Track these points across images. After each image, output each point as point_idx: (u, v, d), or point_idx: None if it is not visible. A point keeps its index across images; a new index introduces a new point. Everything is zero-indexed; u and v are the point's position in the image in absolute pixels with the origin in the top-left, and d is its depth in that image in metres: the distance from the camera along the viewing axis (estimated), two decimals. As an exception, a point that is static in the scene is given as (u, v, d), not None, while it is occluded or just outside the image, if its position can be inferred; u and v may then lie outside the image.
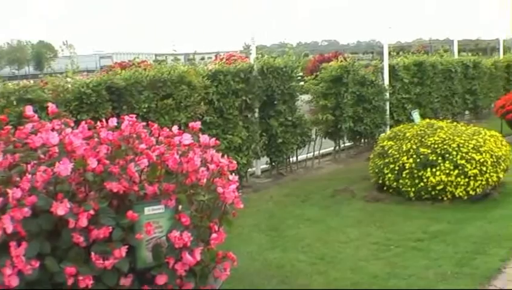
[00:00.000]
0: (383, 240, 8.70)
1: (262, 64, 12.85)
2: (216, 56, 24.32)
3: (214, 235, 4.70)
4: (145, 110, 10.16)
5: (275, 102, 13.05)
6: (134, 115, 5.19)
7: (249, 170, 12.86)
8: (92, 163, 4.29)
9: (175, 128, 5.15)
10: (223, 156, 5.11)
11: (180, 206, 4.54)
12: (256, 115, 12.80)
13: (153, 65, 12.45)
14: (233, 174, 5.06)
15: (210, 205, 4.79)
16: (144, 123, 5.15)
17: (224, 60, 17.32)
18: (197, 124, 5.18)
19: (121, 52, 77.74)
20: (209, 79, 11.54)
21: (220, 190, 4.70)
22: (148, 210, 4.44)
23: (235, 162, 5.23)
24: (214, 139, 5.13)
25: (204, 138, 5.03)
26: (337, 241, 8.72)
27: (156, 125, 5.22)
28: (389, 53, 18.28)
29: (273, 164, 13.65)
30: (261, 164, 13.65)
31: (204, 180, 4.75)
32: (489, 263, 7.71)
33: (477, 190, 10.46)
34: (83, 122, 4.94)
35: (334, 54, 33.11)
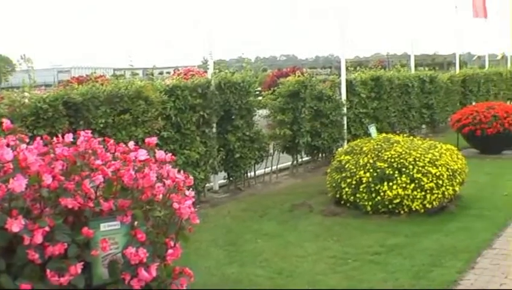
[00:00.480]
0: (341, 254, 8.74)
1: (219, 79, 12.86)
2: (175, 71, 24.33)
3: (170, 251, 4.68)
4: (102, 125, 10.11)
5: (233, 117, 13.07)
6: (91, 131, 5.16)
7: (207, 185, 12.82)
8: (47, 179, 4.25)
9: (131, 143, 5.13)
10: (179, 171, 5.10)
11: (136, 222, 4.52)
12: (214, 130, 12.78)
13: (111, 80, 12.41)
14: (190, 189, 5.05)
15: (166, 220, 4.77)
16: (101, 139, 5.12)
17: (182, 74, 17.32)
18: (153, 140, 5.17)
19: (80, 67, 77.37)
20: (166, 94, 11.50)
21: (176, 205, 4.69)
22: (103, 226, 4.42)
23: (191, 177, 5.22)
24: (170, 154, 5.12)
25: (160, 154, 5.02)
26: (295, 256, 8.74)
27: (112, 141, 5.19)
28: (347, 68, 18.41)
29: (231, 178, 13.64)
30: (219, 179, 13.64)
31: (160, 196, 4.73)
32: (445, 275, 7.81)
33: (434, 203, 10.56)
34: (38, 138, 4.90)
35: (292, 68, 33.24)
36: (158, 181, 4.77)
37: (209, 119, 12.43)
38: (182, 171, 5.17)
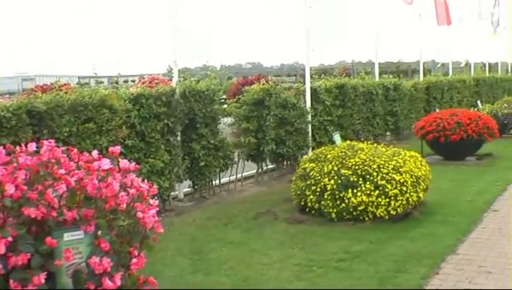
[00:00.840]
0: (306, 261, 8.76)
1: (184, 87, 12.83)
2: (140, 79, 24.24)
3: (134, 260, 4.67)
4: (66, 134, 10.05)
5: (197, 125, 13.04)
6: (55, 140, 5.14)
7: (172, 193, 12.78)
8: (10, 189, 4.23)
9: (95, 152, 5.10)
10: (143, 180, 5.09)
11: (99, 232, 4.50)
12: (179, 138, 12.75)
13: (75, 88, 12.35)
14: (155, 198, 5.05)
15: (130, 229, 4.75)
16: (64, 148, 5.10)
17: (146, 83, 17.26)
18: (117, 149, 5.15)
19: (45, 75, 76.67)
20: (130, 102, 11.45)
21: (140, 214, 4.68)
22: (67, 236, 4.40)
23: (155, 186, 5.21)
24: (134, 163, 5.10)
25: (124, 163, 5.00)
26: (260, 264, 8.74)
27: (75, 150, 5.17)
28: (312, 76, 18.47)
29: (196, 187, 13.61)
30: (184, 188, 13.59)
31: (124, 205, 4.72)
32: (410, 281, 7.89)
33: (398, 209, 10.63)
34: (1, 147, 4.87)
35: (257, 76, 33.26)
36: (122, 190, 4.76)
37: (173, 127, 12.40)
38: (146, 180, 5.16)
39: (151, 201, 4.97)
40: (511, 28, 49.05)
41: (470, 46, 39.09)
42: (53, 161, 4.74)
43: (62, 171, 4.62)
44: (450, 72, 35.72)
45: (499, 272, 8.26)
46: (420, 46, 29.28)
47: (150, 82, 18.69)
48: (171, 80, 13.74)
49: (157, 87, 12.65)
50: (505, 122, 24.56)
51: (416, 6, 27.25)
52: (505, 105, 26.19)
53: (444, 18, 30.72)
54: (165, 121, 12.13)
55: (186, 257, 9.17)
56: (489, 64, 45.79)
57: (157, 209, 4.95)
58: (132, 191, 4.87)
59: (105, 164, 4.81)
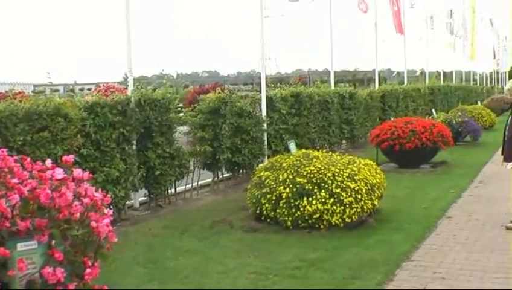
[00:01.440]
0: (261, 269, 8.77)
1: (139, 96, 12.77)
2: (96, 87, 24.09)
3: (88, 270, 4.66)
4: (20, 143, 9.94)
5: (153, 134, 12.98)
6: (9, 148, 5.11)
7: (127, 202, 12.69)
8: (-39, 199, 4.20)
9: (48, 161, 5.08)
10: (97, 189, 5.08)
11: (53, 242, 4.48)
12: (134, 147, 12.68)
13: (30, 97, 12.25)
14: (110, 207, 5.04)
15: (84, 239, 4.74)
16: (18, 157, 5.07)
17: (102, 91, 17.16)
18: (70, 158, 5.13)
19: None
20: (86, 111, 11.37)
21: (93, 224, 4.67)
22: (20, 246, 4.37)
23: (109, 195, 5.20)
24: (87, 172, 5.09)
25: (77, 172, 4.99)
26: (216, 272, 8.74)
27: (28, 159, 5.14)
28: (268, 84, 18.52)
29: (152, 196, 13.53)
30: (140, 197, 13.51)
31: (78, 214, 4.71)
32: (366, 288, 7.95)
33: (353, 217, 10.69)
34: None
35: (214, 85, 33.26)
36: (76, 200, 4.74)
37: (129, 136, 12.34)
38: (101, 189, 5.15)
39: (105, 210, 4.97)
40: (465, 38, 49.71)
41: (425, 55, 39.46)
42: (6, 170, 4.72)
43: (15, 180, 4.59)
44: (405, 81, 36.03)
45: (453, 278, 8.37)
46: (375, 55, 29.51)
47: (105, 90, 18.61)
48: (126, 89, 13.67)
49: (112, 96, 12.58)
50: (459, 130, 24.86)
51: (372, 16, 27.44)
52: (459, 113, 26.53)
53: (397, 27, 31.00)
54: (121, 130, 12.06)
55: (142, 266, 9.13)
56: (444, 73, 46.35)
57: (112, 218, 4.94)
58: (86, 200, 4.86)
59: (59, 173, 4.79)
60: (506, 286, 8.08)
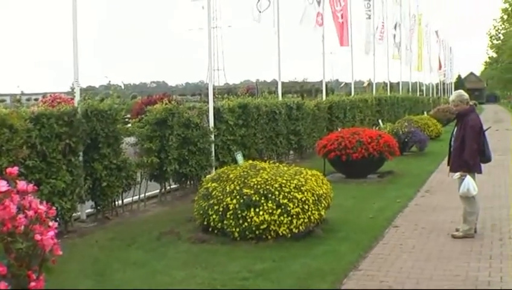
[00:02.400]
0: (209, 281, 8.78)
1: (86, 107, 12.69)
2: (43, 98, 23.88)
3: (33, 283, 4.62)
4: (-36, 154, 9.84)
5: (100, 145, 12.89)
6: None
7: (74, 214, 12.57)
8: None
9: (-9, 174, 5.03)
10: (41, 202, 5.03)
11: (-4, 255, 4.44)
12: (81, 158, 12.58)
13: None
14: (56, 219, 5.00)
15: (29, 252, 4.70)
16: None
17: (48, 102, 17.00)
18: (15, 170, 5.08)
19: None
20: (31, 122, 11.26)
21: (38, 237, 4.63)
22: (-37, 260, 4.32)
23: (55, 207, 5.16)
24: (32, 184, 5.04)
25: (21, 184, 4.94)
26: (163, 284, 8.72)
27: (-29, 172, 5.09)
28: (216, 95, 18.52)
29: (98, 207, 13.41)
30: (86, 208, 13.39)
31: (22, 227, 4.66)
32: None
33: (300, 227, 10.72)
34: None
35: (162, 96, 33.14)
36: (20, 212, 4.70)
37: (75, 147, 12.23)
38: (46, 201, 5.10)
39: (50, 223, 4.92)
40: (411, 49, 50.26)
41: (372, 67, 39.79)
42: None
43: (-43, 193, 4.54)
44: (353, 92, 36.29)
45: (400, 286, 8.48)
46: (323, 66, 29.68)
47: (52, 101, 18.47)
48: (73, 99, 13.56)
49: (59, 107, 12.48)
50: (406, 140, 25.13)
51: (320, 27, 27.56)
52: (406, 124, 26.85)
53: (343, 39, 31.21)
54: (67, 141, 11.95)
55: (89, 279, 9.05)
56: (391, 84, 46.77)
57: (58, 230, 4.90)
58: (30, 213, 4.81)
59: (3, 185, 4.74)
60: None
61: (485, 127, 11.55)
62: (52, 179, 11.51)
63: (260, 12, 20.89)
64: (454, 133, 11.51)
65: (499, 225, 12.09)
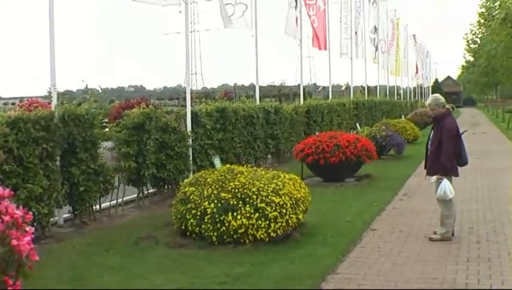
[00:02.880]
0: (187, 285, 8.78)
1: (63, 111, 12.63)
2: (20, 102, 23.77)
3: (9, 288, 4.59)
4: None
5: (77, 150, 12.82)
6: None
7: (51, 219, 12.49)
8: None
9: (-32, 179, 5.01)
10: (18, 207, 5.01)
11: (-27, 261, 4.41)
12: (58, 163, 12.51)
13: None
14: (34, 224, 4.99)
15: (5, 258, 4.67)
16: None
17: (25, 106, 16.91)
18: (-9, 175, 5.07)
19: None
20: (8, 126, 11.20)
21: (14, 242, 4.60)
22: None
23: (32, 212, 5.14)
24: (8, 189, 5.02)
25: (-3, 190, 4.92)
26: (141, 289, 8.70)
27: None
28: (194, 99, 18.51)
29: (76, 212, 13.34)
30: (64, 213, 13.31)
31: (-1, 232, 4.64)
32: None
33: (278, 231, 10.74)
34: None
35: (139, 100, 33.12)
36: (-4, 218, 4.68)
37: (52, 152, 12.17)
38: (22, 206, 5.08)
39: (27, 228, 4.90)
40: (389, 53, 50.45)
41: (350, 70, 39.90)
42: None
43: None
44: (330, 96, 36.38)
45: (378, 290, 8.50)
46: (300, 70, 29.73)
47: (29, 105, 18.36)
48: (50, 104, 13.49)
49: (35, 111, 12.40)
50: (383, 144, 25.23)
51: (298, 31, 27.59)
52: (383, 127, 26.91)
53: (320, 43, 31.27)
54: (44, 146, 11.89)
55: (67, 284, 8.99)
56: (368, 87, 46.93)
57: (36, 236, 4.88)
58: (7, 218, 4.79)
59: (-22, 191, 4.72)
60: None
61: (461, 131, 11.61)
62: (29, 183, 11.44)
63: (237, 17, 20.88)
64: (431, 136, 11.57)
65: (476, 228, 12.17)
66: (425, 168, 11.80)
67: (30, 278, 4.86)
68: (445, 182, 11.05)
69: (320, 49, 31.54)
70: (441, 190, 11.02)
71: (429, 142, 11.60)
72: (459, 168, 11.46)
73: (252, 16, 21.99)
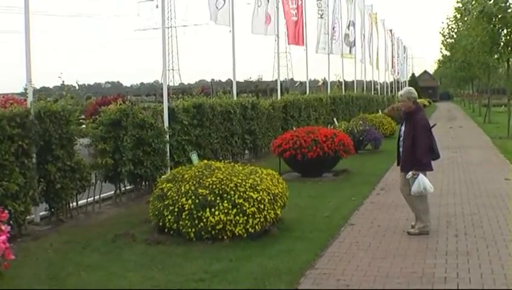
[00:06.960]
0: (165, 282, 8.77)
1: (39, 108, 12.54)
2: (-4, 99, 23.58)
3: (-16, 288, 4.55)
4: None
5: (53, 147, 12.73)
6: None
7: (28, 217, 12.40)
8: None
9: None
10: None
11: None
12: (34, 160, 12.40)
13: None
14: (10, 222, 4.93)
15: (-20, 257, 4.62)
16: None
17: (0, 103, 16.78)
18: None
19: None
20: (-17, 124, 11.13)
21: (-11, 241, 4.56)
22: None
23: (7, 211, 5.08)
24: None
25: (-28, 188, 4.87)
26: (119, 287, 8.66)
27: None
28: (171, 95, 18.44)
29: (53, 210, 13.24)
30: (40, 211, 13.21)
31: (-27, 232, 4.59)
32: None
33: (256, 227, 10.75)
34: None
35: (116, 96, 32.98)
36: (-30, 217, 4.62)
37: (28, 149, 12.07)
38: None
39: (2, 226, 4.86)
40: (366, 48, 50.56)
41: (327, 66, 39.87)
42: None
43: None
44: (308, 91, 36.40)
45: (357, 284, 8.53)
46: (277, 65, 29.72)
47: (4, 102, 18.23)
48: (26, 100, 13.38)
49: (11, 108, 12.31)
50: (361, 138, 25.36)
51: (273, 27, 27.58)
52: (360, 122, 27.08)
53: (296, 38, 31.28)
54: (20, 143, 11.79)
55: (44, 283, 8.92)
56: (345, 82, 47.00)
57: (11, 234, 4.83)
58: (-19, 217, 4.74)
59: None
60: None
61: (431, 124, 11.67)
62: (4, 181, 11.34)
63: (218, 9, 20.91)
64: (402, 132, 11.56)
65: (454, 222, 12.24)
66: (398, 164, 11.83)
67: (5, 278, 4.83)
68: (423, 177, 11.08)
69: (297, 44, 31.54)
70: (420, 186, 11.05)
71: (400, 138, 11.62)
72: (433, 162, 11.50)
73: (229, 11, 22.01)
